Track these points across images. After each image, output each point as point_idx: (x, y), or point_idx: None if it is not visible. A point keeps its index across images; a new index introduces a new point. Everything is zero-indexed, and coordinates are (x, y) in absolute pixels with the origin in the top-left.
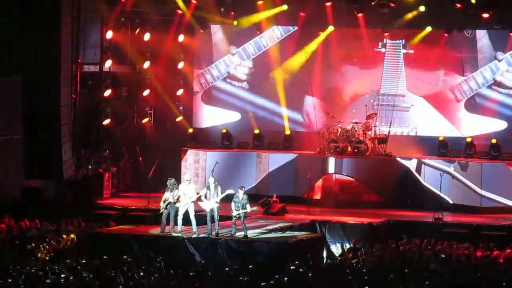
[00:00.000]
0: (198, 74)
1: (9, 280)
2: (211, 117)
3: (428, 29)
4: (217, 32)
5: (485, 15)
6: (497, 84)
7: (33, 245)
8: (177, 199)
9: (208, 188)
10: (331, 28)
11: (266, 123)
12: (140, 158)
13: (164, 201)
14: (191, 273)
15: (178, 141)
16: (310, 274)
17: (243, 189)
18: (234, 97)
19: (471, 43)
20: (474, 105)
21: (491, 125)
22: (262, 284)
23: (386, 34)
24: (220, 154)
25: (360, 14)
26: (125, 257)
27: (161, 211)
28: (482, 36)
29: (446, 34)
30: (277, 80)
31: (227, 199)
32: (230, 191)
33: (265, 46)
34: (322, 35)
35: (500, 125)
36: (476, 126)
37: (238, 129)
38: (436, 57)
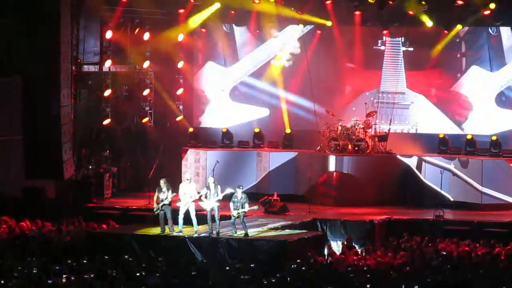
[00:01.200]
0: (223, 72)
1: (10, 280)
2: (242, 114)
3: (429, 24)
4: (241, 30)
5: (486, 12)
6: None
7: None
8: (171, 199)
9: (208, 188)
10: (329, 23)
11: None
12: (141, 158)
13: (158, 202)
14: (192, 273)
15: (178, 141)
16: (311, 273)
17: (241, 188)
18: (262, 92)
19: (495, 40)
20: (504, 101)
21: None
22: (264, 282)
23: (385, 32)
24: (220, 153)
25: (358, 12)
26: (126, 257)
27: (156, 212)
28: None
29: (445, 31)
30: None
31: (227, 198)
32: (229, 190)
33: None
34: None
35: None
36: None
37: (267, 125)
38: (438, 54)
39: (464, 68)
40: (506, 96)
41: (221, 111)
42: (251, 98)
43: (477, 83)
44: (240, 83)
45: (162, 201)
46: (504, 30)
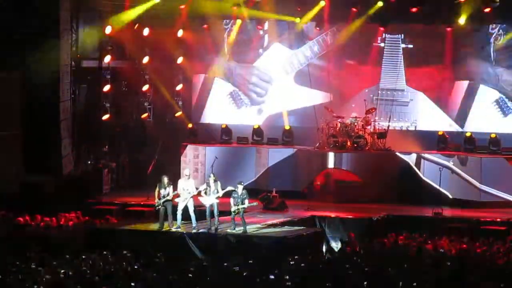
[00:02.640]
0: (287, 56)
1: (9, 275)
2: (304, 97)
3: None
4: None
5: (487, 10)
6: None
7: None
8: (173, 196)
9: (208, 184)
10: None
11: None
12: (140, 153)
13: (159, 197)
14: (190, 268)
15: (177, 136)
16: (309, 269)
17: (242, 184)
18: (327, 76)
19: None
20: None
21: None
22: (262, 278)
23: (381, 28)
24: (219, 150)
25: (355, 9)
26: (124, 252)
27: (158, 207)
28: None
29: (448, 29)
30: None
31: (227, 195)
32: (230, 188)
33: None
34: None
35: None
36: None
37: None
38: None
39: None
40: None
41: (285, 94)
42: (315, 82)
43: None
44: (306, 66)
45: (164, 197)
46: None
